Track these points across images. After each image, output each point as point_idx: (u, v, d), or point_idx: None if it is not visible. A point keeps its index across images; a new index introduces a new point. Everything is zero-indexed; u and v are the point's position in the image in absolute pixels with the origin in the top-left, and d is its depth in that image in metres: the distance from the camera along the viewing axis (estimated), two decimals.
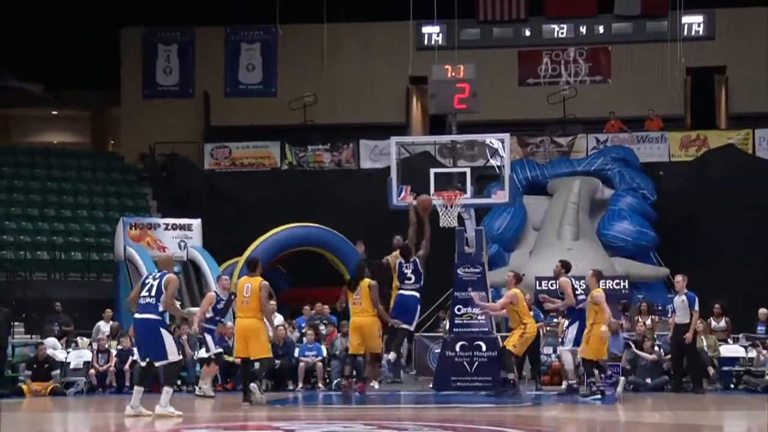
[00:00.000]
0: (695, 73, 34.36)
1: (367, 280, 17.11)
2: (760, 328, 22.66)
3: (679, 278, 20.37)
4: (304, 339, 21.89)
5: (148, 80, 36.51)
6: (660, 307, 24.48)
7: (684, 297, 19.86)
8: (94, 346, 21.52)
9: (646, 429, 13.42)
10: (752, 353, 21.55)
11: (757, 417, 15.24)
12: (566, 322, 19.68)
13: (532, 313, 19.94)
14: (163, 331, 14.51)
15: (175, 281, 15.09)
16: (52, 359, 20.97)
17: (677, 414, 15.98)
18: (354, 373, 18.05)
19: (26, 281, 25.51)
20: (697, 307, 19.86)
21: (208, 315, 18.50)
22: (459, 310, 19.73)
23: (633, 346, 21.45)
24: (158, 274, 14.95)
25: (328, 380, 21.45)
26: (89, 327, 22.05)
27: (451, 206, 20.54)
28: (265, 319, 16.64)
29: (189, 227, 26.43)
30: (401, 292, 18.52)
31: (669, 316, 22.69)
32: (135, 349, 21.42)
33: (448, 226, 19.98)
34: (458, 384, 19.51)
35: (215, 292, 18.98)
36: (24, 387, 20.21)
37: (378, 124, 32.20)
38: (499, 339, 19.40)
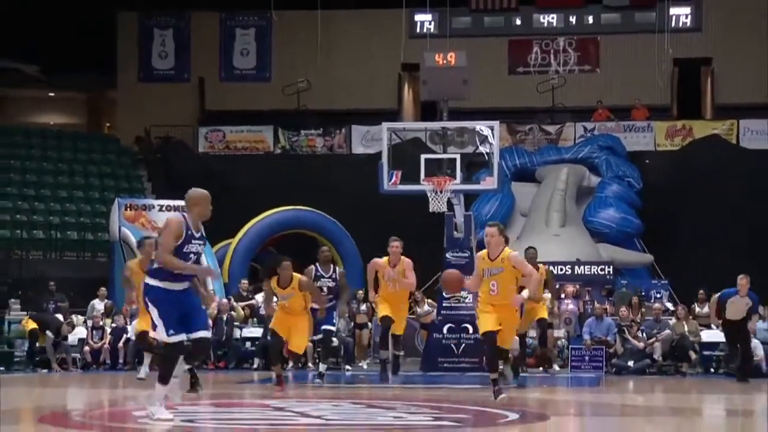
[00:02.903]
0: (682, 64, 34.48)
1: (297, 276, 15.49)
2: None
3: (744, 281, 19.14)
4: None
5: (144, 64, 36.59)
6: (644, 293, 24.65)
7: (748, 299, 18.91)
8: (89, 323, 21.61)
9: (629, 410, 13.53)
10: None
11: (732, 400, 15.42)
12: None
13: None
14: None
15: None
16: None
17: (657, 396, 16.11)
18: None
19: (22, 260, 25.58)
20: (760, 309, 19.95)
21: None
22: (446, 293, 19.84)
23: (626, 331, 21.61)
24: None
25: (317, 360, 21.55)
26: (84, 305, 22.12)
27: (441, 191, 20.62)
28: None
29: (183, 209, 26.43)
30: None
31: (652, 301, 22.91)
32: (129, 327, 21.68)
33: (438, 211, 20.05)
34: (445, 365, 19.67)
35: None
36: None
37: (370, 110, 32.28)
38: None
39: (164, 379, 9.93)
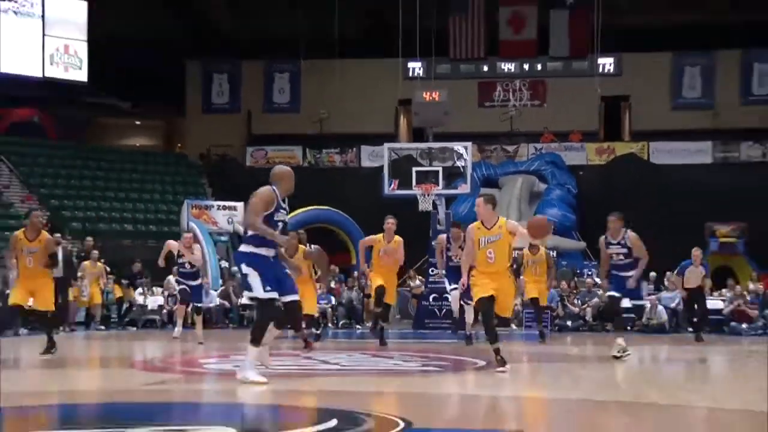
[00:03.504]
0: (607, 100, 34.41)
1: (302, 247, 13.83)
2: (651, 287, 22.89)
3: (697, 252, 18.36)
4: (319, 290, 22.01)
5: (205, 99, 36.56)
6: (578, 271, 24.74)
7: (702, 269, 18.11)
8: (165, 293, 21.67)
9: (568, 358, 13.56)
10: (646, 304, 21.76)
11: (642, 350, 15.53)
12: None
13: None
14: None
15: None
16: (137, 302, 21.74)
17: (588, 347, 16.13)
18: None
19: (117, 246, 25.63)
20: (709, 275, 19.09)
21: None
22: (432, 271, 19.94)
23: (565, 300, 21.70)
24: None
25: (336, 321, 21.64)
26: (161, 279, 22.14)
27: (428, 195, 20.73)
28: None
29: (234, 208, 26.49)
30: None
31: (585, 278, 22.95)
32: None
33: (425, 209, 20.28)
34: (431, 325, 19.78)
35: (180, 243, 15.67)
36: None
37: (374, 134, 32.21)
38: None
39: (256, 342, 8.33)
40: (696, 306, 18.18)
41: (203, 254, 16.40)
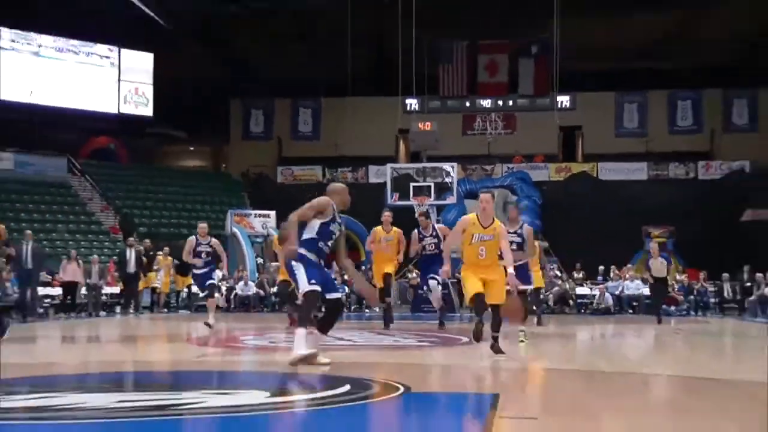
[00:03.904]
0: (564, 129, 34.32)
1: None
2: (600, 278, 22.84)
3: (654, 245, 17.03)
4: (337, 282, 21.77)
5: (245, 129, 36.49)
6: (542, 266, 24.57)
7: (662, 259, 16.53)
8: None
9: (532, 336, 13.47)
10: (595, 292, 21.75)
11: (594, 327, 15.43)
12: None
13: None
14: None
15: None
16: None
17: (550, 327, 16.07)
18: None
19: (174, 246, 25.51)
20: (671, 264, 17.42)
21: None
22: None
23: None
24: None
25: (349, 306, 21.53)
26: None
27: (422, 205, 20.70)
28: None
29: (268, 216, 26.47)
30: None
31: (548, 270, 22.90)
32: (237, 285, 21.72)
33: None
34: (425, 309, 19.62)
35: (195, 237, 13.41)
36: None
37: (380, 156, 32.10)
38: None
39: (303, 322, 7.24)
40: (658, 292, 16.99)
41: (222, 248, 14.12)
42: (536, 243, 15.14)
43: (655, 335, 13.58)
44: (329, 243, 7.44)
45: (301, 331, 7.16)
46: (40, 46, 30.42)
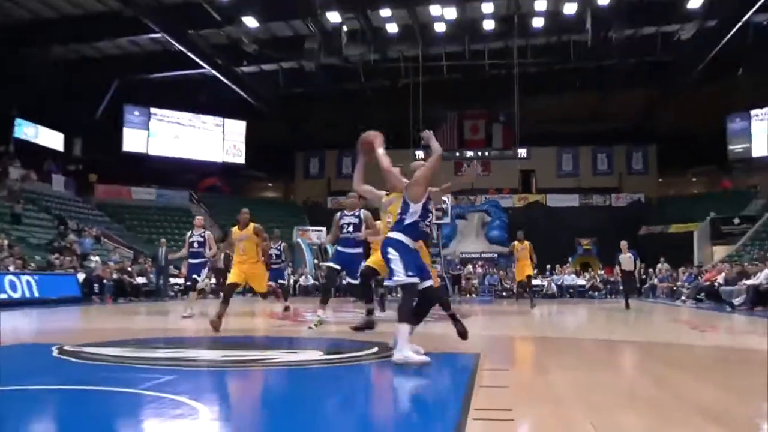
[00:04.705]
0: (523, 172, 34.02)
1: (252, 225, 8.79)
2: (548, 273, 22.49)
3: (623, 243, 13.98)
4: None
5: (305, 171, 36.62)
6: (508, 266, 24.27)
7: (630, 254, 13.89)
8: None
9: (505, 314, 13.22)
10: (545, 282, 21.47)
11: (553, 310, 15.20)
12: None
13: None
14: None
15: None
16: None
17: (514, 307, 15.75)
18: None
19: None
20: (639, 260, 14.53)
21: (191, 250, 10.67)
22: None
23: (502, 282, 21.30)
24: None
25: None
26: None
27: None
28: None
29: (320, 230, 26.51)
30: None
31: (513, 268, 22.43)
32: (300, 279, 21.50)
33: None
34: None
35: (192, 231, 10.90)
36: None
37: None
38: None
39: (405, 317, 4.77)
40: (627, 283, 14.50)
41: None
42: (525, 243, 13.94)
43: (586, 312, 13.36)
44: (427, 221, 5.13)
45: (404, 329, 4.74)
46: (178, 119, 31.74)
